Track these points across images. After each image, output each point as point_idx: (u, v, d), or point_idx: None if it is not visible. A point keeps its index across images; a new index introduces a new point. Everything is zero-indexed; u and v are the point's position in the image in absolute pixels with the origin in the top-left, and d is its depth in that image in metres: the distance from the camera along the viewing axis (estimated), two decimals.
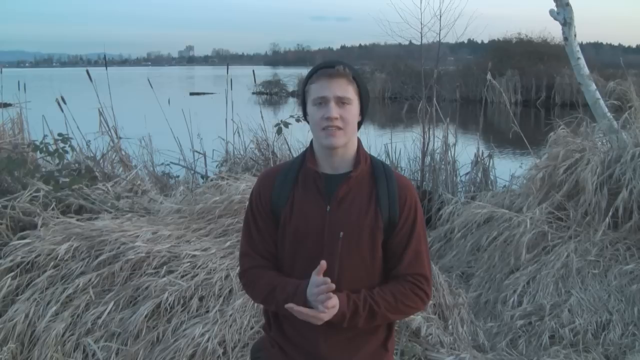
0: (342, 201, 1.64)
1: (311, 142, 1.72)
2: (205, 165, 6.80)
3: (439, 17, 6.78)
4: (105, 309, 3.14)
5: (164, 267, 3.36)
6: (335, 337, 1.64)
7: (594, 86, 5.71)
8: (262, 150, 6.90)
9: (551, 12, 5.79)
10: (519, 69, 25.85)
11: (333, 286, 1.50)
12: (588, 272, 4.16)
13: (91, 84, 6.65)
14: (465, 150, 7.12)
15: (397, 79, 28.41)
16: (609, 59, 27.60)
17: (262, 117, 7.06)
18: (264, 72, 37.33)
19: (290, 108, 19.35)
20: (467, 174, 6.95)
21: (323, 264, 1.52)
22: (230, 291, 3.27)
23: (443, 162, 6.80)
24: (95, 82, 6.69)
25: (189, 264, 3.40)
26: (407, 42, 8.08)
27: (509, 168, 6.69)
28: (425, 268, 1.68)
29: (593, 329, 3.68)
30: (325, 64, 1.65)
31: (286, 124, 6.01)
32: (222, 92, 7.60)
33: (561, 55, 18.36)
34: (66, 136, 5.29)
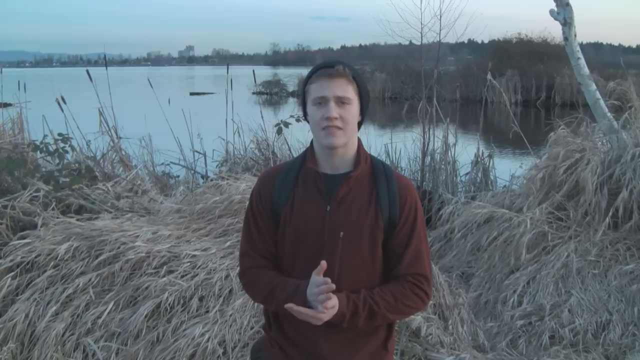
0: (342, 201, 1.64)
1: (311, 142, 1.72)
2: (206, 165, 6.81)
3: (439, 17, 6.79)
4: (105, 309, 3.14)
5: (164, 267, 3.36)
6: (336, 337, 1.64)
7: (594, 86, 5.71)
8: (262, 150, 6.90)
9: (551, 12, 5.79)
10: (519, 69, 25.84)
11: (333, 286, 1.50)
12: (588, 272, 4.16)
13: (91, 84, 6.66)
14: (465, 150, 7.12)
15: (397, 79, 28.41)
16: (609, 59, 27.61)
17: (262, 117, 7.06)
18: (264, 72, 37.32)
19: (290, 108, 19.35)
20: (467, 174, 6.95)
21: (323, 264, 1.52)
22: (230, 291, 3.27)
23: (443, 162, 6.80)
24: (95, 82, 6.69)
25: (189, 264, 3.40)
26: (407, 42, 8.09)
27: (509, 168, 6.69)
28: (425, 268, 1.68)
29: (593, 329, 3.68)
30: (325, 64, 1.65)
31: (286, 124, 6.01)
32: (222, 92, 7.61)
33: (561, 55, 18.36)
34: (66, 136, 5.29)
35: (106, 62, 8.21)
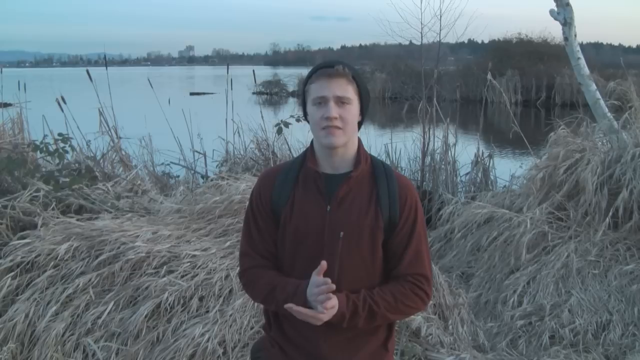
0: (342, 201, 1.64)
1: (312, 142, 1.72)
2: (206, 165, 6.81)
3: (439, 17, 6.79)
4: (105, 309, 3.14)
5: (164, 267, 3.36)
6: (336, 337, 1.64)
7: (594, 86, 5.71)
8: (262, 150, 6.90)
9: (551, 12, 5.79)
10: (519, 69, 25.84)
11: (333, 286, 1.50)
12: (588, 272, 4.16)
13: (91, 84, 6.66)
14: (466, 150, 7.12)
15: (397, 79, 28.41)
16: (609, 59, 27.62)
17: (262, 117, 7.06)
18: (264, 72, 37.32)
19: (291, 108, 19.35)
20: (467, 174, 6.95)
21: (323, 264, 1.52)
22: (230, 291, 3.27)
23: (443, 162, 6.80)
24: (95, 82, 6.69)
25: (189, 264, 3.39)
26: (407, 42, 8.09)
27: (509, 168, 6.69)
28: (425, 268, 1.68)
29: (593, 329, 3.68)
30: (325, 64, 1.65)
31: (286, 124, 6.01)
32: (222, 92, 7.61)
33: (561, 55, 18.37)
34: (66, 136, 5.28)
35: (106, 62, 8.21)
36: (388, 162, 6.68)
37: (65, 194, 4.41)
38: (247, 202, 1.78)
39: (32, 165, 5.02)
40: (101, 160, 6.19)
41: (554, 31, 27.13)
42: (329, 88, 1.59)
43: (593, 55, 27.11)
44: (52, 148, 5.11)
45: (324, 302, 1.50)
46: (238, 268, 1.83)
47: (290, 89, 32.68)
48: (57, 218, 3.94)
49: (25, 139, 6.50)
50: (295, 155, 3.29)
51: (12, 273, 3.38)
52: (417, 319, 3.31)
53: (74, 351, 3.02)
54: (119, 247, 3.45)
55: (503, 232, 4.65)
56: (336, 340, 1.65)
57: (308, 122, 1.69)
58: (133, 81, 28.31)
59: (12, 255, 3.46)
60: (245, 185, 4.27)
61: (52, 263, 3.40)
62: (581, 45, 5.96)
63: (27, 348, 3.07)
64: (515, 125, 6.20)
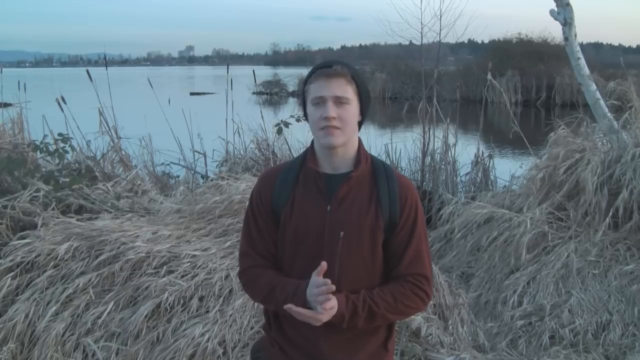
0: (342, 201, 1.64)
1: (312, 142, 1.72)
2: (206, 165, 6.80)
3: (439, 17, 6.79)
4: (105, 309, 3.13)
5: (164, 267, 3.36)
6: (335, 338, 1.64)
7: (594, 86, 5.71)
8: (262, 150, 6.90)
9: (551, 12, 5.79)
10: (519, 69, 25.84)
11: (333, 287, 1.50)
12: (588, 272, 4.16)
13: (91, 84, 6.65)
14: (466, 150, 7.12)
15: (398, 79, 28.41)
16: (609, 59, 27.60)
17: (262, 117, 7.06)
18: (264, 72, 37.32)
19: (291, 108, 19.34)
20: (467, 174, 6.95)
21: (324, 264, 1.51)
22: (230, 291, 3.27)
23: (443, 162, 6.80)
24: (95, 82, 6.69)
25: (189, 264, 3.39)
26: (407, 42, 8.10)
27: (509, 168, 6.69)
28: (425, 268, 1.68)
29: (593, 330, 3.68)
30: (324, 64, 1.65)
31: (286, 124, 6.00)
32: (222, 92, 7.61)
33: (561, 56, 18.38)
34: (66, 136, 5.28)
35: (106, 62, 8.21)
36: (388, 162, 6.68)
37: (65, 194, 4.41)
38: (247, 202, 1.78)
39: (32, 165, 5.02)
40: (101, 160, 6.19)
41: (554, 31, 27.18)
42: (328, 88, 1.59)
43: (593, 55, 27.11)
44: (52, 148, 5.11)
45: (323, 303, 1.50)
46: (238, 268, 1.83)
47: (290, 89, 32.68)
48: (57, 218, 3.94)
49: (25, 139, 6.51)
50: (295, 155, 3.29)
51: (12, 273, 3.38)
52: (417, 319, 3.31)
53: (74, 351, 3.02)
54: (119, 247, 3.45)
55: (503, 232, 4.65)
56: (336, 340, 1.65)
57: (308, 122, 1.69)
58: (133, 81, 28.32)
59: (12, 255, 3.46)
60: (245, 185, 4.27)
61: (52, 263, 3.40)
62: (581, 45, 5.96)
63: (27, 348, 3.07)
64: (515, 125, 6.20)
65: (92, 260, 3.42)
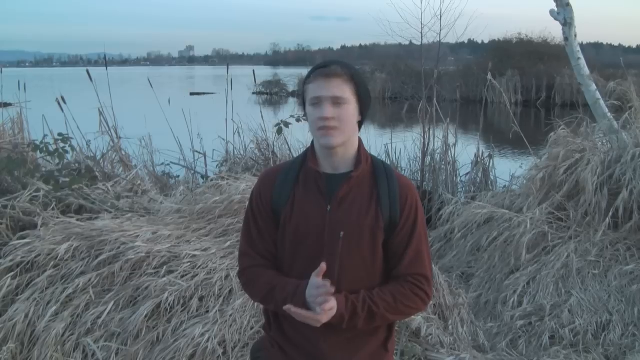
0: (342, 201, 1.64)
1: (312, 142, 1.72)
2: (206, 165, 6.80)
3: (439, 17, 6.80)
4: (105, 309, 3.13)
5: (164, 267, 3.36)
6: (335, 338, 1.64)
7: (594, 86, 5.71)
8: (262, 150, 6.90)
9: (551, 12, 5.79)
10: (519, 69, 25.85)
11: (332, 289, 1.50)
12: (588, 272, 4.16)
13: (91, 84, 6.66)
14: (466, 150, 7.12)
15: (398, 79, 28.41)
16: (609, 59, 27.64)
17: (262, 117, 7.06)
18: (264, 72, 37.34)
19: (291, 108, 19.34)
20: (467, 174, 6.95)
21: (323, 266, 1.51)
22: (230, 291, 3.27)
23: (443, 162, 6.80)
24: (95, 82, 6.69)
25: (189, 264, 3.39)
26: (407, 42, 8.10)
27: (509, 168, 6.69)
28: (426, 268, 1.68)
29: (593, 330, 3.68)
30: (322, 64, 1.65)
31: (286, 124, 6.00)
32: (222, 92, 7.61)
33: (561, 56, 18.38)
34: (66, 136, 5.28)
35: (106, 62, 8.21)
36: (388, 162, 6.68)
37: (65, 194, 4.41)
38: (247, 202, 1.78)
39: (32, 165, 5.02)
40: (101, 160, 6.19)
41: (554, 31, 27.20)
42: (325, 88, 1.59)
43: (593, 56, 27.14)
44: (52, 148, 5.11)
45: (323, 304, 1.50)
46: (238, 268, 1.83)
47: (291, 89, 32.70)
48: (57, 218, 3.93)
49: (25, 139, 6.50)
50: (295, 155, 3.29)
51: (12, 273, 3.38)
52: (417, 319, 3.31)
53: (74, 351, 3.02)
54: (119, 247, 3.45)
55: (503, 233, 4.65)
56: (336, 340, 1.65)
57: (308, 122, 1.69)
58: (133, 81, 28.33)
59: (12, 255, 3.46)
60: (245, 185, 4.27)
61: (52, 263, 3.40)
62: (581, 45, 5.96)
63: (27, 348, 3.07)
64: (515, 126, 6.21)
65: (92, 260, 3.42)
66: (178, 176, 6.48)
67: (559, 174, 4.85)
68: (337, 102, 1.59)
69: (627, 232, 4.47)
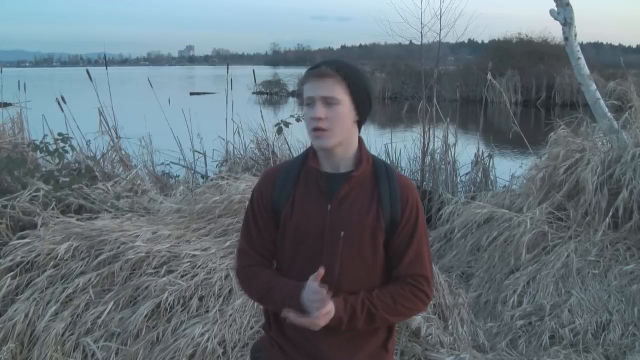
0: (343, 200, 1.63)
1: None
2: (206, 165, 6.80)
3: (439, 17, 6.80)
4: (105, 309, 3.13)
5: (164, 267, 3.36)
6: (335, 338, 1.64)
7: (594, 86, 5.71)
8: (263, 150, 6.90)
9: (552, 12, 5.79)
10: (519, 69, 25.84)
11: (329, 297, 1.50)
12: (588, 272, 4.16)
13: (91, 84, 6.66)
14: (466, 150, 7.12)
15: (398, 79, 28.39)
16: (609, 59, 27.64)
17: (262, 117, 7.06)
18: (265, 72, 37.36)
19: (291, 108, 19.34)
20: (467, 174, 6.95)
21: (321, 271, 1.50)
22: (230, 291, 3.27)
23: (443, 162, 6.80)
24: (95, 82, 6.69)
25: (189, 264, 3.39)
26: (407, 42, 8.11)
27: (509, 168, 6.69)
28: (426, 269, 1.67)
29: (593, 330, 3.68)
30: (315, 65, 1.65)
31: (286, 124, 6.00)
32: (222, 92, 7.61)
33: (561, 56, 18.40)
34: (66, 136, 5.28)
35: (106, 62, 8.21)
36: (388, 162, 6.68)
37: (65, 194, 4.41)
38: (248, 202, 1.77)
39: (32, 165, 5.02)
40: (101, 160, 6.19)
41: (554, 31, 27.20)
42: (316, 89, 1.58)
43: (593, 55, 27.13)
44: (52, 148, 5.10)
45: (320, 308, 1.50)
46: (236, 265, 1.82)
47: (291, 89, 32.70)
48: (57, 218, 3.93)
49: (25, 139, 6.50)
50: (295, 155, 3.29)
51: (12, 273, 3.38)
52: (417, 319, 3.30)
53: (74, 351, 3.01)
54: (119, 247, 3.44)
55: (503, 232, 4.65)
56: (336, 341, 1.65)
57: None
58: (133, 81, 28.35)
59: (12, 255, 3.46)
60: (245, 185, 4.26)
61: (52, 263, 3.39)
62: (581, 45, 5.96)
63: (27, 348, 3.07)
64: (515, 126, 6.21)
65: (92, 260, 3.42)
66: (178, 176, 6.48)
67: (559, 174, 4.85)
68: (328, 102, 1.58)
69: (628, 232, 4.47)
